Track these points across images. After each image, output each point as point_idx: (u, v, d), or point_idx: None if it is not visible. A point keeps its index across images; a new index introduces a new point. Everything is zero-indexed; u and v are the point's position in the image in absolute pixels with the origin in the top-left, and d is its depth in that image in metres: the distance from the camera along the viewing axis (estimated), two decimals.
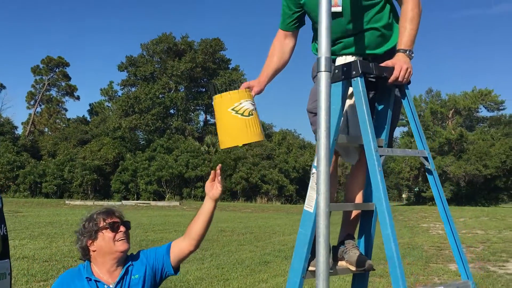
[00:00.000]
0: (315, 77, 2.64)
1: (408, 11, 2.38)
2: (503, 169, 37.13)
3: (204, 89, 46.39)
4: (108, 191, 36.19)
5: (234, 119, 2.40)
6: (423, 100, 45.85)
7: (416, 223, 18.70)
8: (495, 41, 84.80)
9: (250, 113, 2.43)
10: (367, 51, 2.49)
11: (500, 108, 45.80)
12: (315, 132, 2.58)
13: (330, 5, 1.85)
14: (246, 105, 2.45)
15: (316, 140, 2.58)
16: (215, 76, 44.80)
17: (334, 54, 2.48)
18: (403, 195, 60.49)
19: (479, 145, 38.19)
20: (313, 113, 2.59)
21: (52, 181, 34.38)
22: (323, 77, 1.85)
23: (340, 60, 2.49)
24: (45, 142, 41.14)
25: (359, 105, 2.15)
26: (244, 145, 2.47)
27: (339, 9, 2.41)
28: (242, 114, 2.41)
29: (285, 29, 2.69)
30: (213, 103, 2.54)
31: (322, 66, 1.86)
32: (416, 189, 42.23)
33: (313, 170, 2.30)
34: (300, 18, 2.65)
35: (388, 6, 2.48)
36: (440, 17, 78.37)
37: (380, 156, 2.10)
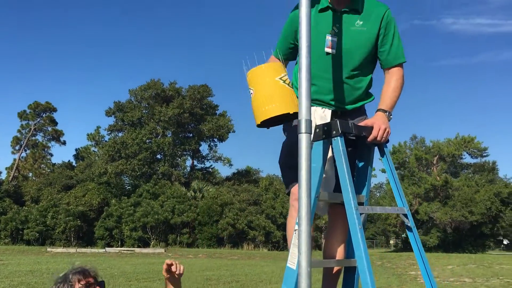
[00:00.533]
0: (285, 129, 2.73)
1: (393, 81, 2.56)
2: (488, 215, 37.30)
3: (191, 134, 46.56)
4: (92, 237, 35.45)
5: (283, 87, 2.36)
6: (408, 146, 46.42)
7: (404, 270, 18.52)
8: (476, 89, 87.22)
9: (292, 85, 2.44)
10: (338, 104, 2.60)
11: (484, 154, 46.48)
12: (287, 185, 2.63)
13: (309, 72, 1.94)
14: (288, 77, 2.44)
15: (286, 193, 2.63)
16: (203, 121, 45.12)
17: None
18: (391, 241, 60.17)
19: (464, 191, 38.48)
20: (286, 166, 2.66)
21: (34, 228, 33.64)
22: (304, 138, 1.92)
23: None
24: (29, 188, 40.54)
25: (339, 163, 2.21)
26: (287, 118, 2.37)
27: (331, 51, 2.54)
28: (288, 85, 2.40)
29: (277, 57, 2.77)
30: (250, 73, 2.41)
31: (303, 128, 1.93)
32: (404, 235, 42.07)
33: (296, 227, 2.33)
34: (294, 51, 2.73)
35: (370, 76, 2.64)
36: (423, 65, 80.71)
37: (361, 214, 2.14)
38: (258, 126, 2.40)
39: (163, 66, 73.71)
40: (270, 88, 2.33)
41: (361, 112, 2.67)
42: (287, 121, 2.48)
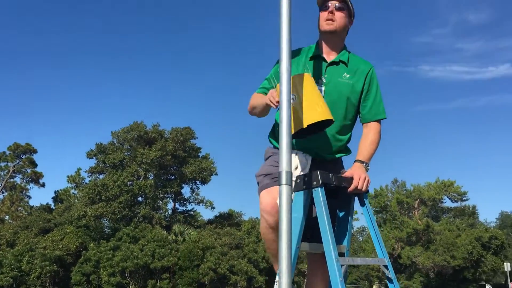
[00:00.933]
0: (267, 159, 2.79)
1: (371, 135, 2.64)
2: (470, 260, 37.31)
3: (173, 177, 46.23)
4: (68, 283, 34.32)
5: (321, 95, 2.45)
6: (389, 190, 46.71)
7: None
8: (453, 134, 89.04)
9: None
10: (318, 152, 2.64)
11: (463, 199, 46.93)
12: (259, 191, 2.63)
13: (290, 125, 1.99)
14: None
15: (260, 207, 2.61)
16: (185, 164, 44.93)
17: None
18: (374, 287, 59.47)
19: (446, 235, 38.61)
20: (262, 174, 2.67)
21: (9, 273, 32.49)
22: (284, 190, 1.94)
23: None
24: (5, 231, 39.41)
25: (320, 214, 2.23)
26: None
27: (321, 89, 2.61)
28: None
29: (263, 92, 2.76)
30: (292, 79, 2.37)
31: (283, 180, 1.96)
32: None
33: (277, 278, 2.32)
34: None
35: (350, 133, 2.73)
36: (402, 110, 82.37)
37: (342, 265, 2.15)
38: (294, 135, 2.38)
39: (147, 108, 73.97)
40: (315, 93, 2.37)
41: (338, 164, 2.73)
42: (317, 131, 2.50)
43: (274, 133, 2.84)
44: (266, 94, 2.68)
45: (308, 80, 2.42)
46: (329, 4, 2.66)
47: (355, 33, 2.89)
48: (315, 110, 2.30)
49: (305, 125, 2.31)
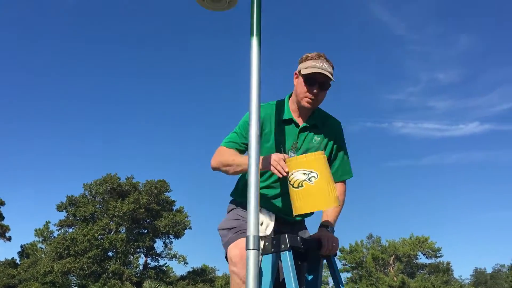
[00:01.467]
0: (230, 211, 2.76)
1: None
2: None
3: (146, 231, 45.22)
4: None
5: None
6: (365, 245, 46.54)
7: None
8: (425, 189, 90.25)
9: None
10: (282, 215, 2.61)
11: (438, 255, 46.96)
12: (225, 247, 2.55)
13: (258, 189, 2.01)
14: None
15: (225, 257, 2.53)
16: (158, 217, 44.13)
17: None
18: None
19: None
20: (226, 228, 2.62)
21: None
22: (252, 255, 1.93)
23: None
24: None
25: (287, 278, 2.21)
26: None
27: (293, 155, 2.55)
28: None
29: (233, 147, 2.65)
30: (314, 156, 2.34)
31: (251, 244, 1.95)
32: None
33: None
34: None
35: None
36: (376, 166, 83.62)
37: None
38: (303, 215, 2.40)
39: (121, 160, 73.13)
40: (331, 176, 2.33)
41: (302, 225, 2.74)
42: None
43: (238, 189, 2.80)
44: (238, 149, 2.61)
45: (325, 161, 2.37)
46: (315, 83, 2.51)
47: (330, 90, 2.76)
48: (334, 193, 2.29)
49: (324, 208, 2.31)
